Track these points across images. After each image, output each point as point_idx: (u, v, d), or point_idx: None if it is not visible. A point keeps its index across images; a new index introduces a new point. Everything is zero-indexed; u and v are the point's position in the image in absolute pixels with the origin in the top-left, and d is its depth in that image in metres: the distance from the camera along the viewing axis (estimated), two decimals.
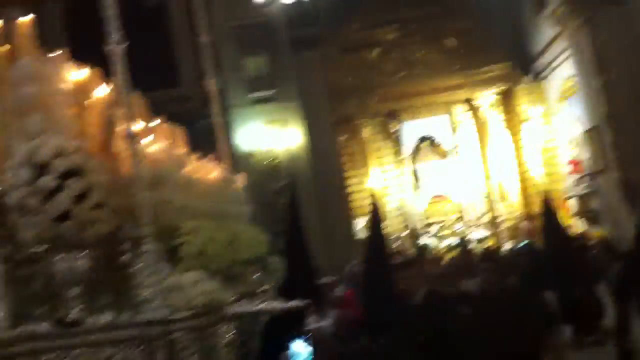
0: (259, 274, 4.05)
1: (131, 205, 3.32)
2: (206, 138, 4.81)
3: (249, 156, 13.36)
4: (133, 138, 3.28)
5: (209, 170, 4.22)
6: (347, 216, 14.84)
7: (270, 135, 13.77)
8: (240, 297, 3.73)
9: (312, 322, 6.27)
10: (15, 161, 3.15)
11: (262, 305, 3.67)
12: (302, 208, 7.14)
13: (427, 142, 16.17)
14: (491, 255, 8.97)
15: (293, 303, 3.77)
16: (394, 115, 15.95)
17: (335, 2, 14.14)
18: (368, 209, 11.82)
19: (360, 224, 14.06)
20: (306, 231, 6.90)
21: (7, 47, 3.45)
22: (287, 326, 4.77)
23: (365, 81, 15.34)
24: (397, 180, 15.92)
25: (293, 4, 12.96)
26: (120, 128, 3.38)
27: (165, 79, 12.40)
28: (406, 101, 15.84)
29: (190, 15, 11.17)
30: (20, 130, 3.28)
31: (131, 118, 3.31)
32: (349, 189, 15.43)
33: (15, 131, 3.29)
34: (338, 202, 14.37)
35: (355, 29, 15.37)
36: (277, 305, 3.77)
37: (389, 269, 6.31)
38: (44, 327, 3.16)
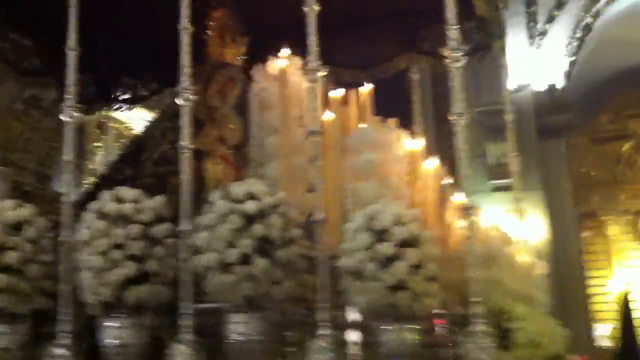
0: None
1: (461, 282, 3.16)
2: None
3: None
4: (469, 211, 3.15)
5: (520, 252, 3.98)
6: (586, 320, 13.69)
7: (508, 225, 13.23)
8: None
9: None
10: (353, 225, 3.13)
11: None
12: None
13: None
14: None
15: None
16: None
17: (588, 92, 13.53)
18: (613, 314, 10.86)
19: (600, 330, 12.91)
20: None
21: (348, 113, 3.52)
22: None
23: (614, 175, 14.37)
24: None
25: (545, 91, 12.55)
26: (452, 200, 3.27)
27: None
28: None
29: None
30: (356, 195, 3.29)
31: (467, 192, 3.19)
32: (589, 290, 14.28)
33: (351, 196, 3.30)
34: (577, 304, 13.34)
35: (606, 120, 14.58)
36: None
37: None
38: None
